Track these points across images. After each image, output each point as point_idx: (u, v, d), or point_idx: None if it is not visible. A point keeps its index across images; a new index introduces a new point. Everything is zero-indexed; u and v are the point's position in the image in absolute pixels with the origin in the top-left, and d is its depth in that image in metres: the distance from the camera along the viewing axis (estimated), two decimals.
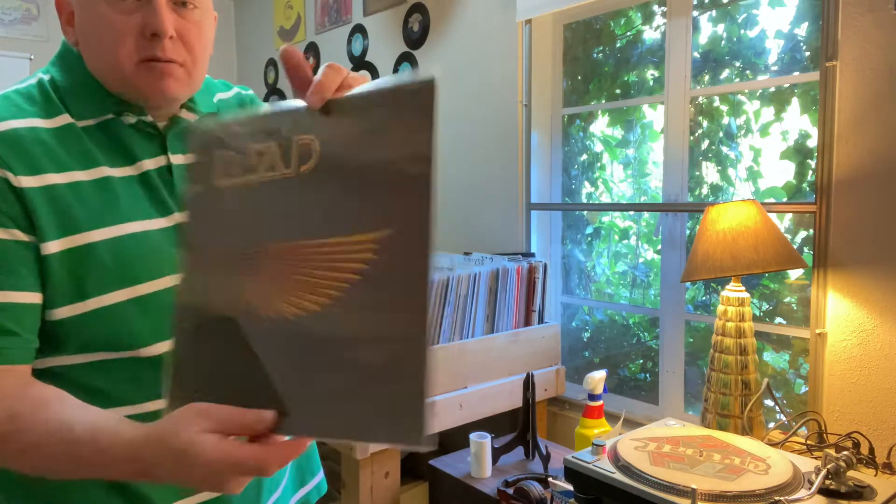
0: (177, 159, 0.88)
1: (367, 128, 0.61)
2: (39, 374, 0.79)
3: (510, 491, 1.58)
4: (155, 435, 0.63)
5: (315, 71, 0.67)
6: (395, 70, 2.94)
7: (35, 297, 0.77)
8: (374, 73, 3.06)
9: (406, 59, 2.88)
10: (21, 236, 0.76)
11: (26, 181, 0.77)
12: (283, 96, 3.70)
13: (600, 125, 2.44)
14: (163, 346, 0.83)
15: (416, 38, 2.82)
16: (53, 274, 0.77)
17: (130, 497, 0.84)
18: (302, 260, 0.61)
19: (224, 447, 0.59)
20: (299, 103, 0.65)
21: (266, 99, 3.81)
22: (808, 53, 1.86)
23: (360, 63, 3.13)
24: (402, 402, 0.56)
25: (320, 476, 1.08)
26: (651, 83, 2.23)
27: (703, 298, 2.22)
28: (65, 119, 0.83)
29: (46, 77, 0.86)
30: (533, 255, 2.36)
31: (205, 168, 0.68)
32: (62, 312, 0.78)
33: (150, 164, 0.86)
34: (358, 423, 0.58)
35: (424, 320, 0.56)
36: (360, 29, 3.13)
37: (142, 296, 0.81)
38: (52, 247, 0.77)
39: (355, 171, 0.60)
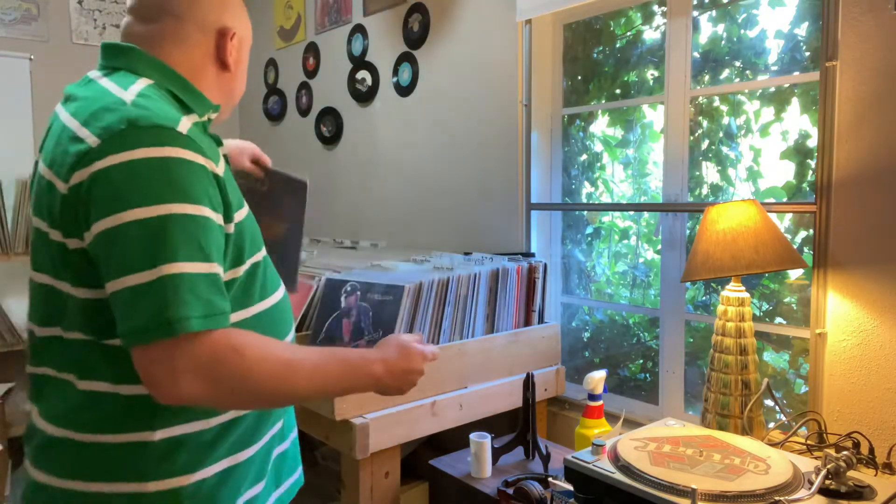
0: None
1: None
2: None
3: (510, 491, 1.58)
4: (392, 345, 1.09)
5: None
6: (395, 70, 2.94)
7: (221, 271, 0.93)
8: (375, 73, 3.06)
9: (406, 59, 2.88)
10: (220, 220, 0.93)
11: (216, 169, 0.94)
12: (282, 96, 3.70)
13: (600, 125, 2.44)
14: (273, 301, 1.08)
15: (416, 38, 2.82)
16: (229, 248, 0.96)
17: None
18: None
19: (422, 347, 1.12)
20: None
21: (265, 99, 3.81)
22: (808, 53, 1.86)
23: (359, 63, 3.13)
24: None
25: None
26: (651, 83, 2.23)
27: (703, 298, 2.22)
28: (191, 118, 0.99)
29: (152, 83, 0.99)
30: (533, 255, 2.36)
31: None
32: (236, 273, 0.98)
33: (224, 150, 1.08)
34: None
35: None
36: (360, 29, 3.13)
37: (259, 261, 1.04)
38: (231, 225, 0.96)
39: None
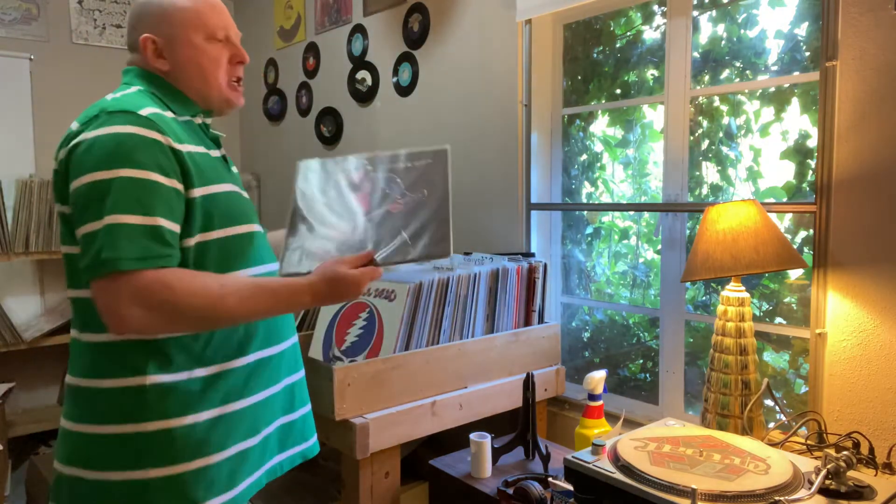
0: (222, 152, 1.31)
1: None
2: None
3: (510, 491, 1.58)
4: (326, 275, 1.16)
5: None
6: (395, 70, 2.94)
7: (178, 229, 1.12)
8: (375, 73, 3.06)
9: (406, 59, 2.88)
10: (177, 185, 1.12)
11: (177, 146, 1.13)
12: (282, 96, 3.70)
13: (600, 125, 2.44)
14: (258, 270, 1.25)
15: (416, 38, 2.82)
16: (195, 212, 1.14)
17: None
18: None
19: (363, 271, 1.18)
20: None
21: (265, 99, 3.82)
22: (808, 53, 1.86)
23: (359, 63, 3.13)
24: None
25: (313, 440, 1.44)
26: (651, 83, 2.23)
27: (703, 298, 2.22)
28: (170, 113, 1.20)
29: (140, 88, 1.21)
30: (533, 255, 2.36)
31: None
32: (193, 241, 1.15)
33: (215, 153, 1.27)
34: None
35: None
36: (360, 29, 3.13)
37: (242, 233, 1.22)
38: (196, 192, 1.15)
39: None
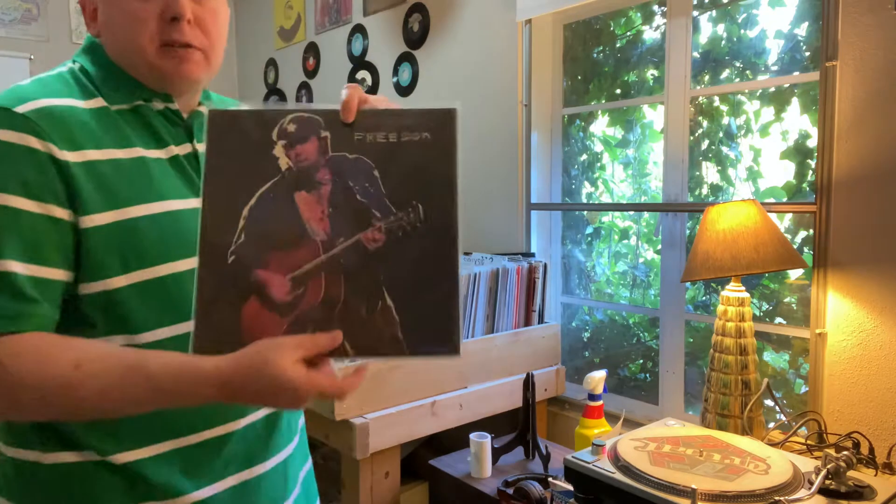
0: (202, 147, 0.91)
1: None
2: None
3: (510, 491, 1.58)
4: (246, 364, 0.73)
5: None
6: (395, 70, 2.94)
7: (58, 274, 0.80)
8: (375, 73, 3.06)
9: (406, 59, 2.88)
10: (56, 212, 0.79)
11: (69, 156, 0.80)
12: (282, 96, 3.70)
13: (600, 125, 2.44)
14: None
15: (416, 38, 2.82)
16: (96, 247, 0.81)
17: (149, 487, 0.85)
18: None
19: (313, 377, 0.73)
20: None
21: (265, 99, 3.81)
22: (808, 53, 1.86)
23: (359, 63, 3.13)
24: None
25: None
26: (651, 83, 2.23)
27: (703, 298, 2.22)
28: (99, 102, 0.87)
29: (76, 66, 0.90)
30: (533, 255, 2.36)
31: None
32: (95, 287, 0.82)
33: (178, 149, 0.91)
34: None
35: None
36: (360, 29, 3.13)
37: (180, 272, 0.85)
38: (97, 220, 0.81)
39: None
